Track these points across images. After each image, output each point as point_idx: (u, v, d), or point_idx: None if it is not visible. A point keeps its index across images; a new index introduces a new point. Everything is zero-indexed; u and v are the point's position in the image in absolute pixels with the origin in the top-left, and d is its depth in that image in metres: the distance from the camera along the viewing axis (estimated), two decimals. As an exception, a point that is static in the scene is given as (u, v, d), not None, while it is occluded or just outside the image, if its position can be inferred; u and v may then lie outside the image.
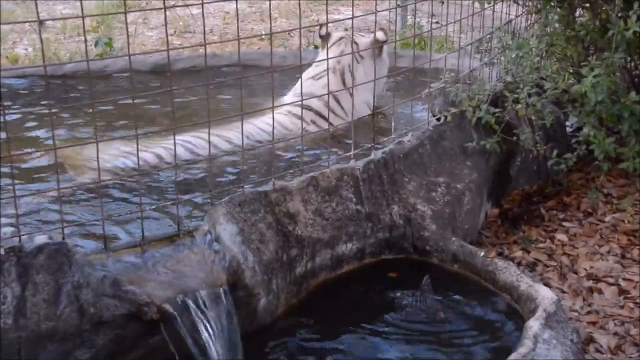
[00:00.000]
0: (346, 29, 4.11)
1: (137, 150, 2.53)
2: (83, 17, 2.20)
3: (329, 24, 3.33)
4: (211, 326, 2.38)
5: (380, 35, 3.85)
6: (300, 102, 3.06)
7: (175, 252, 2.49)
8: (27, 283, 2.17)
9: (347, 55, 3.71)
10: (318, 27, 3.87)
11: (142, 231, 2.49)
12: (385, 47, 3.94)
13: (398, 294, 2.81)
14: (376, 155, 3.09)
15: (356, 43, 3.83)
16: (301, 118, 3.10)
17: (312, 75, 3.78)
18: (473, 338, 2.62)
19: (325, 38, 3.90)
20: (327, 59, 3.45)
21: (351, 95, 3.57)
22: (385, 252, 3.05)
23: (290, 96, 3.77)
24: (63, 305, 2.20)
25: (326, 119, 3.52)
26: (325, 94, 3.25)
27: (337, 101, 3.62)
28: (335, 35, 3.90)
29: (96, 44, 6.40)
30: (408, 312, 2.75)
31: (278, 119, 3.31)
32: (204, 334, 2.35)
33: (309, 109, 3.52)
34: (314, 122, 3.55)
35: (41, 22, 2.01)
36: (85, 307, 2.23)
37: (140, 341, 2.35)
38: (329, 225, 2.86)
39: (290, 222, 2.75)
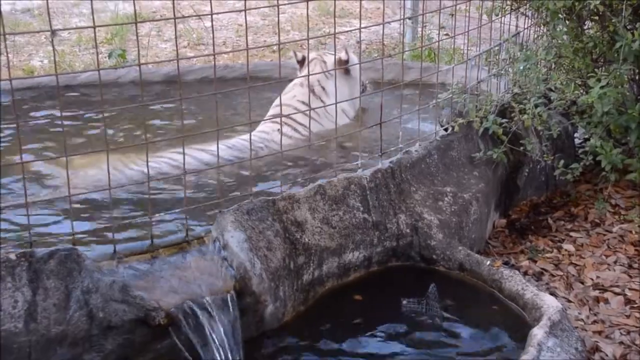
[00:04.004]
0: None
1: (147, 159, 2.58)
2: (95, 27, 2.25)
3: (337, 35, 3.38)
4: (218, 332, 2.41)
5: (341, 55, 4.15)
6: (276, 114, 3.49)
7: (184, 259, 2.53)
8: (38, 288, 2.21)
9: (316, 72, 4.05)
10: (294, 54, 4.27)
11: (151, 238, 2.53)
12: (354, 66, 4.17)
13: (404, 302, 2.83)
14: (383, 164, 3.13)
15: (324, 62, 4.19)
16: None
17: (284, 92, 4.04)
18: (478, 345, 2.64)
19: (302, 62, 4.26)
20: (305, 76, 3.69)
21: (322, 101, 3.93)
22: (392, 261, 3.08)
23: (270, 109, 4.03)
24: (73, 310, 2.24)
25: (296, 121, 3.79)
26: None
27: (307, 104, 3.77)
28: (310, 57, 4.22)
29: (110, 56, 6.47)
30: (414, 319, 2.77)
31: (258, 128, 3.79)
32: (211, 340, 2.39)
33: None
34: (286, 124, 3.77)
35: (54, 32, 2.06)
36: (94, 312, 2.27)
37: (149, 346, 2.38)
38: (336, 234, 2.89)
39: (298, 230, 2.78)
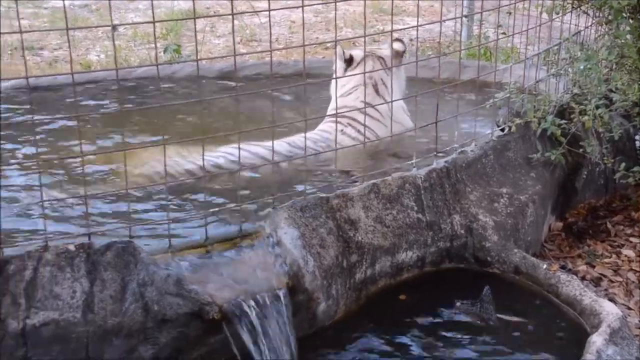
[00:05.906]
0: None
1: (203, 155, 2.60)
2: (154, 22, 2.27)
3: (394, 32, 3.34)
4: (270, 328, 2.41)
5: (398, 45, 3.94)
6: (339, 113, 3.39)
7: (237, 254, 2.53)
8: (96, 279, 2.24)
9: (377, 69, 3.85)
10: (342, 54, 3.90)
11: (206, 232, 2.54)
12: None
13: (458, 304, 2.79)
14: (438, 164, 3.09)
15: (382, 58, 3.93)
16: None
17: (341, 93, 3.85)
18: (533, 351, 2.59)
19: (349, 61, 3.94)
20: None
21: (385, 100, 3.68)
22: (446, 262, 3.04)
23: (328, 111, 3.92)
24: (129, 302, 2.27)
25: (359, 122, 3.65)
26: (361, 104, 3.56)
27: (370, 105, 3.70)
28: (358, 55, 3.95)
29: (165, 51, 6.55)
30: (467, 322, 2.73)
31: (320, 127, 3.70)
32: (263, 336, 2.39)
33: (343, 116, 3.66)
34: (350, 125, 3.70)
35: (114, 27, 2.08)
36: (149, 305, 2.29)
37: (203, 340, 2.40)
38: (389, 233, 2.86)
39: (351, 228, 2.77)
